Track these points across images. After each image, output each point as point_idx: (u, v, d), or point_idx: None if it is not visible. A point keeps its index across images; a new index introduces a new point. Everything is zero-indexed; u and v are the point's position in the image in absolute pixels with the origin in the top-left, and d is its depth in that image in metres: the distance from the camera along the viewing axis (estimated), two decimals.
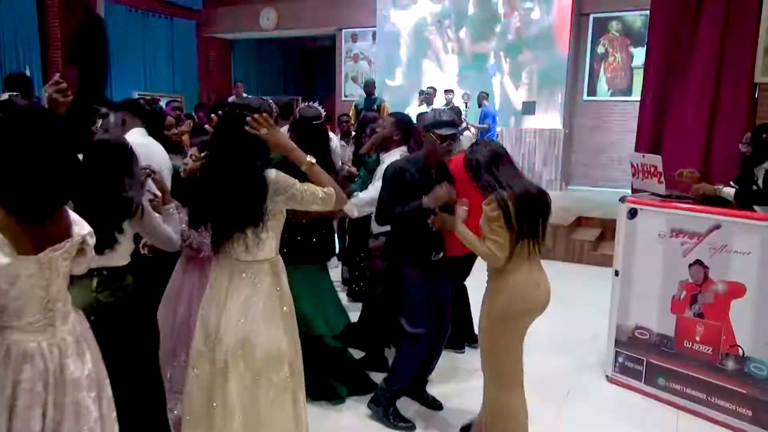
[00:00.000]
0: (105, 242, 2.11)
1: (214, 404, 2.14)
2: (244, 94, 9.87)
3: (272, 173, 2.11)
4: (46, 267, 1.61)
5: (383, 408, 3.15)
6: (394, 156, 3.33)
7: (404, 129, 3.42)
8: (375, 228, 3.38)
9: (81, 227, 1.72)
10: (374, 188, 3.19)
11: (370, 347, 3.74)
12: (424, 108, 8.45)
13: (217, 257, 2.24)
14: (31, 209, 1.57)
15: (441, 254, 3.11)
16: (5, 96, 3.36)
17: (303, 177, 2.18)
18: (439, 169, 3.02)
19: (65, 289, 1.71)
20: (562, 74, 9.96)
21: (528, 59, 10.27)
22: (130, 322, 2.21)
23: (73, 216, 1.73)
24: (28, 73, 8.74)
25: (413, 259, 3.04)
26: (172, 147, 3.44)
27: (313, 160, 2.17)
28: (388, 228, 3.25)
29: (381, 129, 3.40)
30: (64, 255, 1.66)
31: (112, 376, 1.88)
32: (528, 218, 2.50)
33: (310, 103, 3.17)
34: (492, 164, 2.59)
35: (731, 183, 3.73)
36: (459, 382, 3.67)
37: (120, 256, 2.20)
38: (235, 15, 13.20)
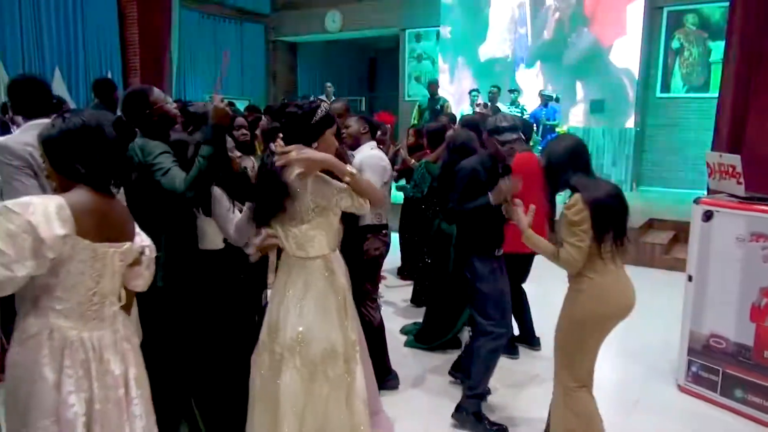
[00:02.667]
0: None
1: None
2: (333, 97, 10.00)
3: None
4: (100, 258, 1.68)
5: (474, 415, 3.12)
6: (365, 150, 3.39)
7: (369, 123, 3.55)
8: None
9: (142, 239, 1.85)
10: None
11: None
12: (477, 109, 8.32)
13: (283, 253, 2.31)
14: (105, 179, 1.73)
15: (501, 250, 3.23)
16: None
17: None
18: (503, 169, 3.15)
19: (116, 291, 1.78)
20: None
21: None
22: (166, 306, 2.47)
23: (139, 230, 1.87)
24: (109, 75, 9.26)
25: (482, 253, 3.14)
26: (243, 147, 3.53)
27: (354, 171, 2.17)
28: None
29: (346, 128, 3.48)
30: (121, 255, 1.74)
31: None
32: (613, 221, 2.39)
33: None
34: (571, 163, 2.45)
35: None
36: (518, 388, 3.61)
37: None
38: (302, 18, 13.47)
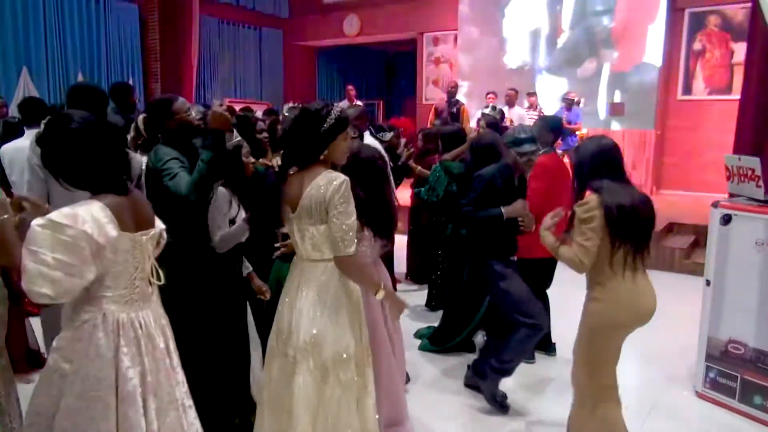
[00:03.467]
0: None
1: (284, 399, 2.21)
2: (355, 99, 10.00)
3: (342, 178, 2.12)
4: (138, 246, 1.84)
5: (489, 382, 3.31)
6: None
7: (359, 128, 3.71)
8: None
9: (159, 223, 2.01)
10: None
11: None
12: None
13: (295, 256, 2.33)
14: (118, 181, 1.82)
15: (514, 257, 3.30)
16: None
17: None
18: (519, 180, 3.28)
19: (149, 273, 1.91)
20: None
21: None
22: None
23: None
24: (131, 81, 9.42)
25: (497, 258, 3.23)
26: (257, 152, 3.56)
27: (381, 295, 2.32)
28: None
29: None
30: (151, 240, 1.91)
31: None
32: (629, 227, 2.36)
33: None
34: (597, 165, 2.45)
35: None
36: (534, 391, 3.60)
37: None
38: (320, 23, 13.55)
